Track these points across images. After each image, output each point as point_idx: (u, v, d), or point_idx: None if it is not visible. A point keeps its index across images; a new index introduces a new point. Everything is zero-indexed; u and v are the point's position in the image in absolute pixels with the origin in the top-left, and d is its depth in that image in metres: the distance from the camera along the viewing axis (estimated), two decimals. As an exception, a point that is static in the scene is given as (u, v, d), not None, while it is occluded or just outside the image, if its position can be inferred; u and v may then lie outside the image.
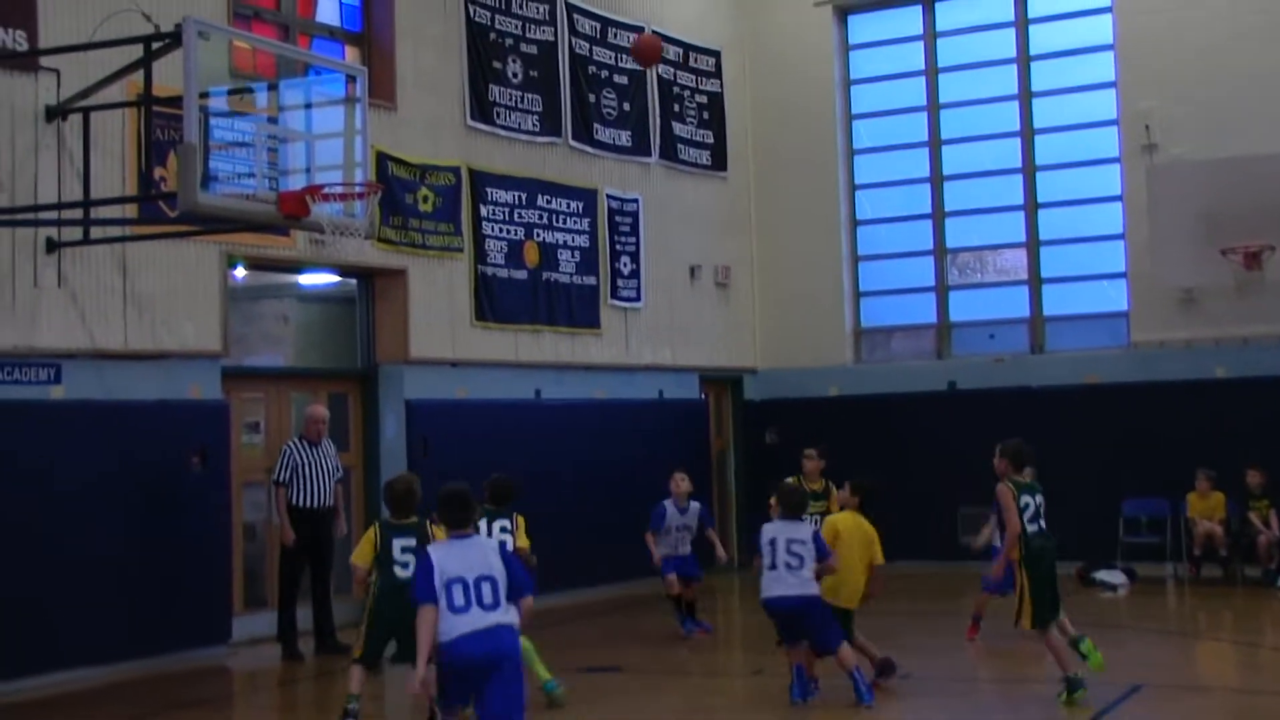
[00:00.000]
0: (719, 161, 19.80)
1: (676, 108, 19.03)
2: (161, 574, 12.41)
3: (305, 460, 12.97)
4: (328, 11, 15.13)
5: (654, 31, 17.59)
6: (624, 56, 18.08)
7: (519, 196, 16.41)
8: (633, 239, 18.08)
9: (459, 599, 7.17)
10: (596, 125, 17.62)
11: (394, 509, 9.46)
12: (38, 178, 11.72)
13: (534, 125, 16.71)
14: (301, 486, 12.91)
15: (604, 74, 17.82)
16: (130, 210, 12.17)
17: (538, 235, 16.63)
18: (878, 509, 11.11)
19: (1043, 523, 10.22)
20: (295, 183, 11.17)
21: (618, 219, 17.88)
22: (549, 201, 16.82)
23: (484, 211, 15.95)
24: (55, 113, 11.82)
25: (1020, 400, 18.33)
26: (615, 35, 18.03)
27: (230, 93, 12.00)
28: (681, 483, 13.71)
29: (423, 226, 15.19)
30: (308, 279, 15.29)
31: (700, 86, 19.51)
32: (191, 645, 12.69)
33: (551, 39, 17.02)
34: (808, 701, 10.05)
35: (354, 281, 15.20)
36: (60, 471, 11.77)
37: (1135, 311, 18.38)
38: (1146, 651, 12.74)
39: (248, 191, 11.01)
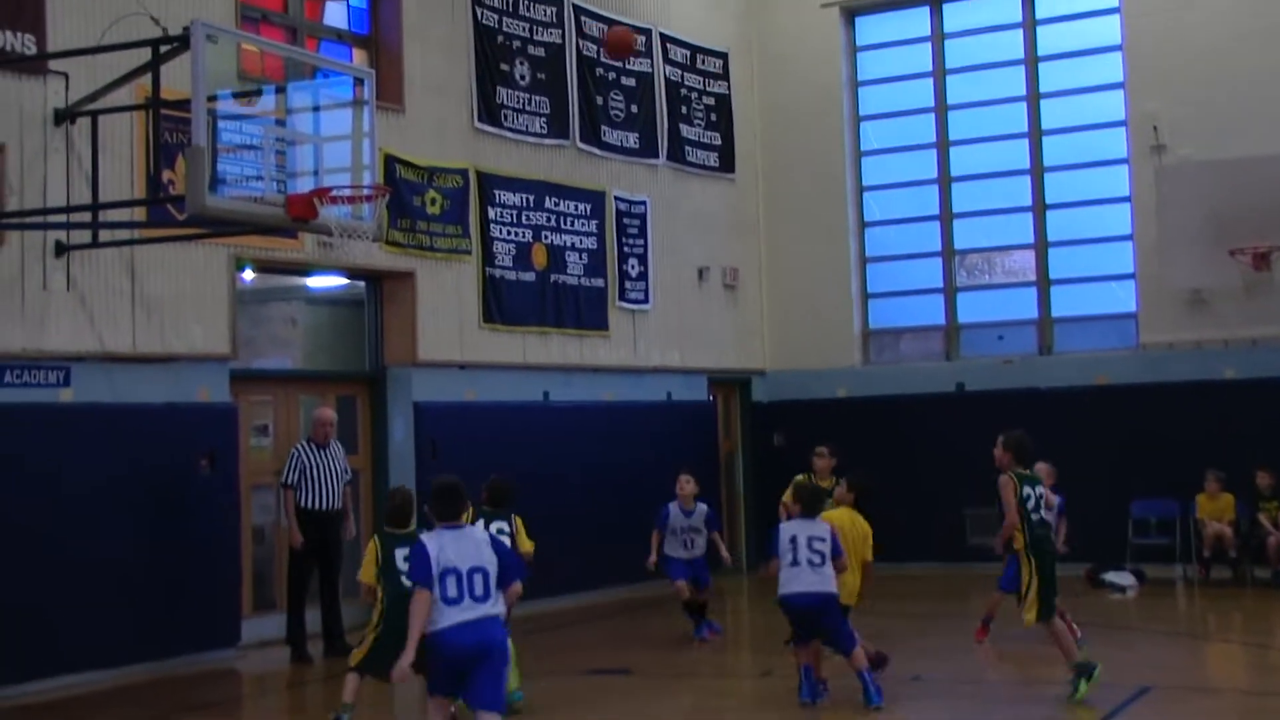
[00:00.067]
0: (727, 163, 19.80)
1: (684, 110, 19.03)
2: (170, 577, 12.43)
3: (313, 463, 12.97)
4: (335, 14, 15.15)
5: (634, 27, 17.64)
6: (631, 58, 18.06)
7: (527, 199, 16.42)
8: (641, 241, 18.09)
9: (451, 590, 7.33)
10: (604, 127, 17.63)
11: (393, 520, 9.50)
12: (46, 181, 11.75)
13: (541, 127, 16.72)
14: (310, 489, 12.91)
15: (611, 76, 17.83)
16: (139, 213, 12.18)
17: (546, 237, 16.64)
18: (874, 507, 11.18)
19: (1044, 513, 10.43)
20: (303, 185, 11.17)
21: (626, 221, 17.88)
22: (557, 204, 16.83)
23: (492, 214, 15.96)
24: (64, 116, 11.84)
25: (1029, 402, 18.29)
26: (623, 37, 18.01)
27: (238, 95, 12.01)
28: (686, 485, 13.63)
29: (431, 229, 15.20)
30: (316, 282, 15.30)
31: (708, 88, 19.51)
32: (200, 648, 12.71)
33: (559, 41, 17.02)
34: (817, 703, 10.05)
35: (362, 284, 15.21)
36: (69, 474, 11.78)
37: (1144, 313, 18.36)
38: (1155, 653, 12.73)
39: (256, 194, 11.01)
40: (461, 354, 15.55)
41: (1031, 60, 19.51)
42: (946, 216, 19.99)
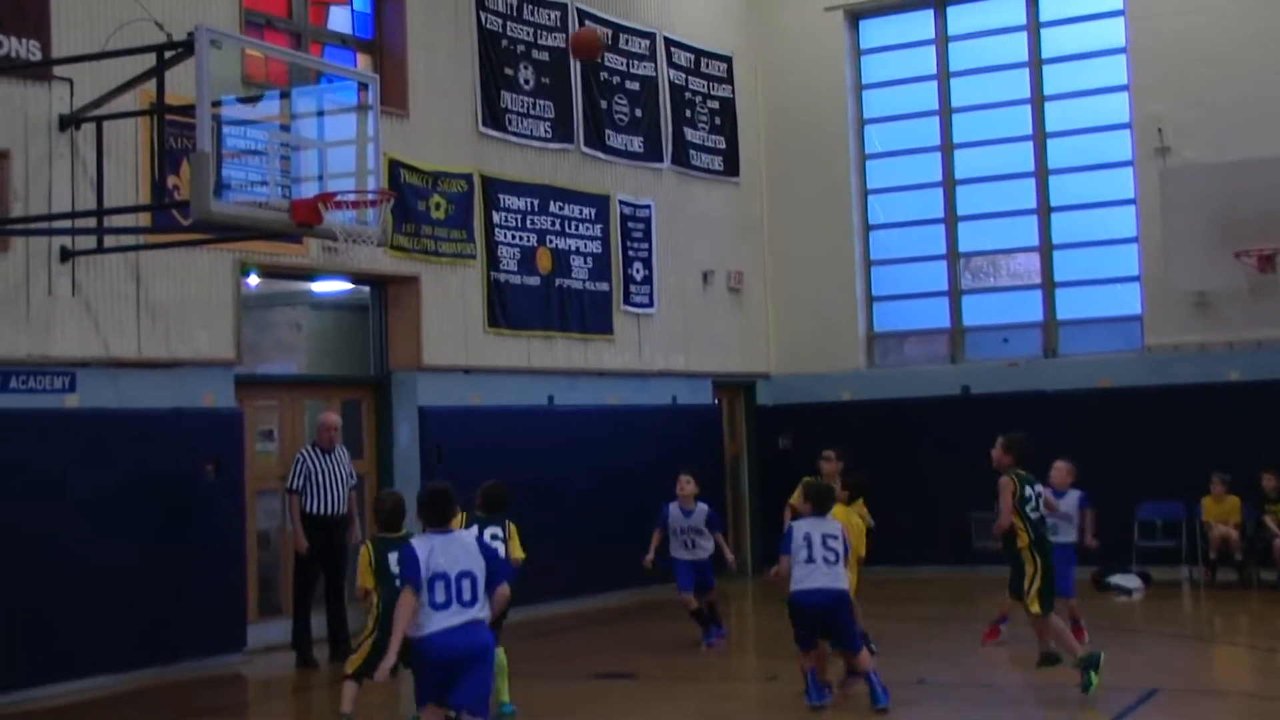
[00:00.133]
0: (731, 167, 19.80)
1: (688, 113, 19.04)
2: (175, 582, 12.43)
3: (318, 468, 12.97)
4: (340, 19, 15.16)
5: (638, 31, 17.66)
6: (635, 62, 18.11)
7: (531, 203, 16.42)
8: (645, 245, 18.09)
9: (440, 595, 7.44)
10: (608, 131, 17.64)
11: (384, 524, 9.54)
12: (52, 187, 11.76)
13: (546, 132, 16.73)
14: (315, 494, 12.91)
15: (615, 80, 17.84)
16: (144, 219, 12.20)
17: (550, 242, 16.64)
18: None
19: (1043, 512, 10.68)
20: (308, 190, 11.17)
21: (630, 225, 17.89)
22: (561, 208, 16.84)
23: (496, 218, 15.97)
24: (69, 122, 11.86)
25: (1034, 404, 18.28)
26: (626, 41, 18.04)
27: (242, 101, 12.02)
28: (686, 485, 13.50)
29: (435, 233, 15.21)
30: (321, 286, 15.32)
31: (712, 92, 19.52)
32: (206, 653, 12.72)
33: (563, 45, 17.02)
34: (823, 706, 10.03)
35: (367, 289, 15.22)
36: (74, 480, 11.80)
37: (1149, 315, 18.35)
38: (1162, 656, 12.71)
39: (260, 199, 11.01)
40: (466, 358, 15.55)
41: (1036, 63, 19.50)
42: (951, 219, 19.98)
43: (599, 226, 17.35)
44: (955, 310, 19.95)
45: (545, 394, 16.53)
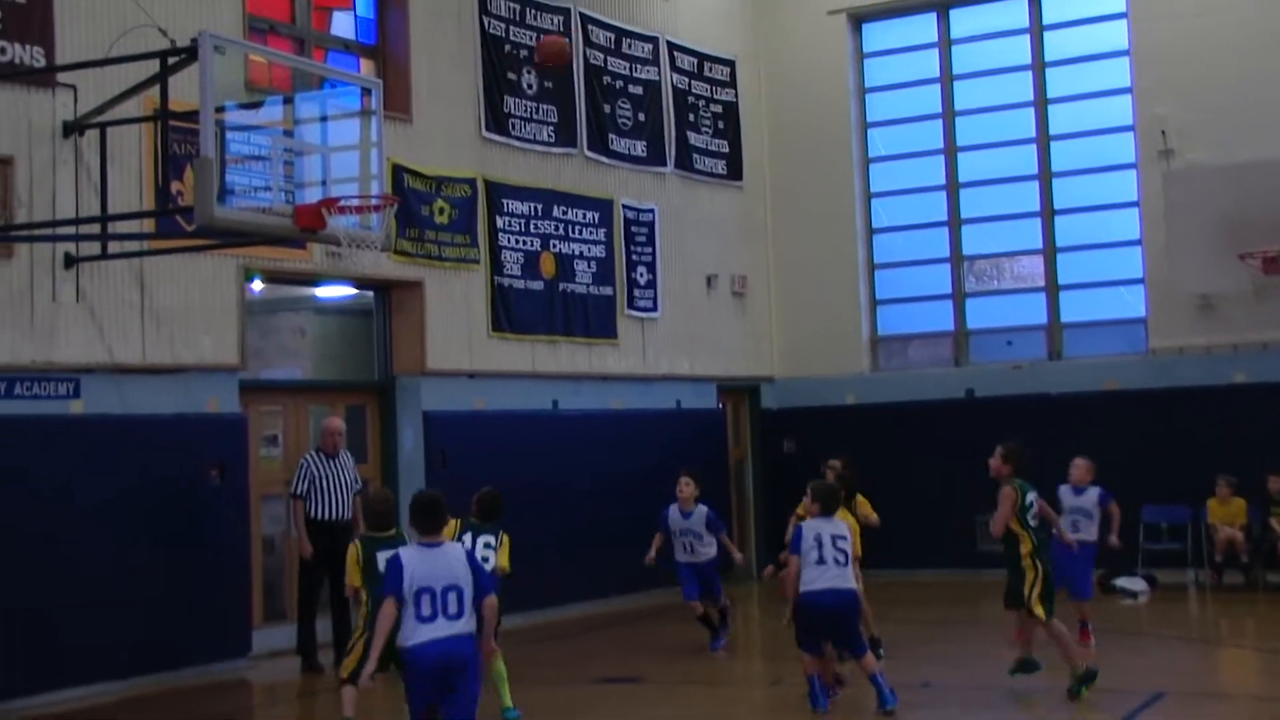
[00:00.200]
0: (735, 171, 19.80)
1: (692, 117, 19.04)
2: (180, 588, 12.43)
3: (323, 473, 12.97)
4: (343, 25, 15.17)
5: (642, 35, 17.66)
6: (638, 66, 18.12)
7: (535, 207, 16.42)
8: (649, 249, 18.09)
9: (425, 609, 7.56)
10: (612, 136, 17.64)
11: (374, 523, 9.58)
12: (55, 193, 11.77)
13: (549, 136, 16.74)
14: (319, 499, 12.91)
15: (619, 84, 17.84)
16: (147, 225, 12.21)
17: (554, 246, 16.64)
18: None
19: (1040, 519, 10.79)
20: (311, 196, 11.18)
21: (634, 229, 17.89)
22: (565, 212, 16.84)
23: (500, 223, 15.97)
24: (73, 128, 11.87)
25: (1038, 407, 18.28)
26: (630, 46, 18.05)
27: (246, 106, 12.02)
28: (685, 487, 13.46)
29: (439, 238, 15.21)
30: (324, 292, 15.32)
31: (715, 96, 19.52)
32: (211, 659, 12.72)
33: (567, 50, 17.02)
34: (827, 710, 10.02)
35: (371, 294, 15.22)
36: (79, 486, 11.81)
37: (1153, 317, 18.33)
38: (1168, 659, 12.70)
39: (264, 205, 11.03)
40: (470, 363, 15.55)
41: (1039, 65, 19.49)
42: (955, 222, 19.97)
43: (602, 231, 17.36)
44: (959, 313, 19.94)
45: (549, 398, 16.53)
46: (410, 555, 7.75)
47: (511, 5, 16.38)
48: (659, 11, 18.67)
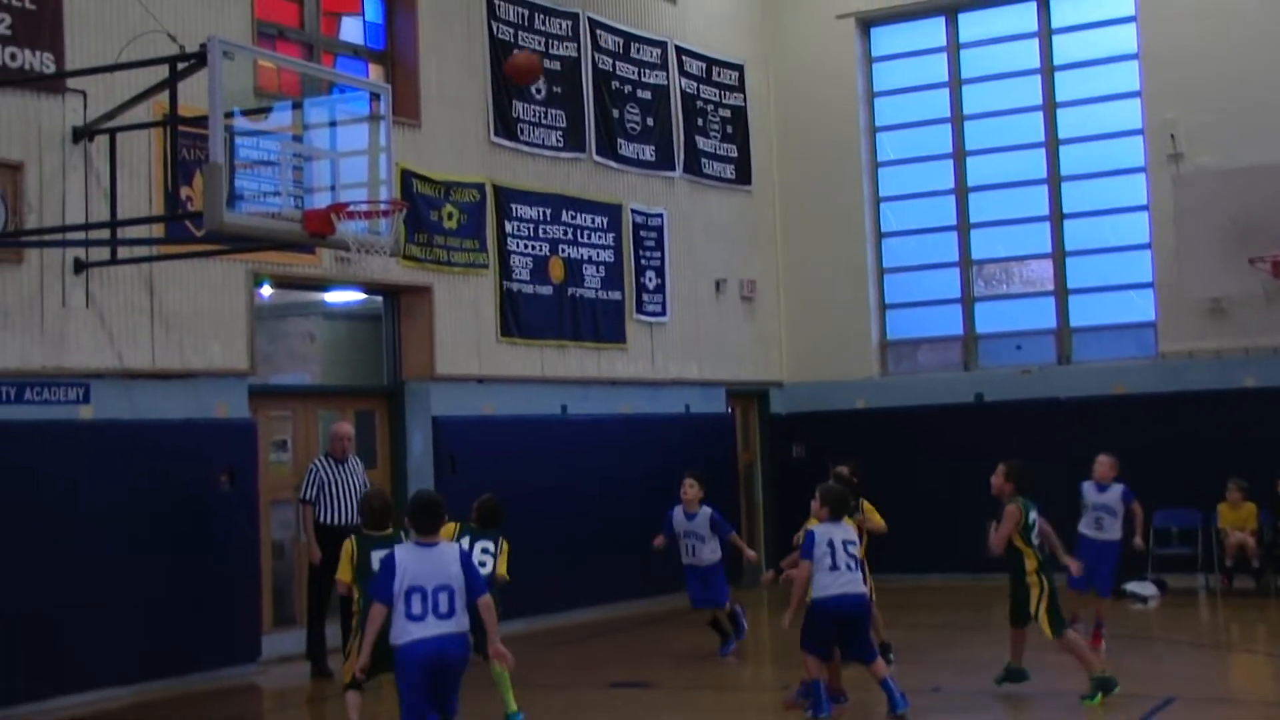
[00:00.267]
0: (743, 175, 19.80)
1: (700, 122, 19.04)
2: (190, 593, 12.44)
3: (331, 478, 12.98)
4: (351, 30, 15.19)
5: (650, 40, 17.69)
6: (647, 71, 18.12)
7: (543, 212, 16.43)
8: (658, 254, 18.09)
9: (416, 608, 7.70)
10: (620, 140, 17.64)
11: (370, 522, 9.66)
12: (65, 198, 11.79)
13: (558, 141, 16.74)
14: (328, 504, 12.91)
15: (627, 89, 17.85)
16: (157, 230, 12.22)
17: (563, 251, 16.65)
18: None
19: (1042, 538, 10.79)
20: (320, 201, 11.19)
21: (643, 234, 17.89)
22: (574, 217, 16.84)
23: (509, 228, 15.98)
24: (82, 134, 11.89)
25: (1048, 412, 18.27)
26: (639, 51, 18.05)
27: (254, 112, 12.04)
28: (689, 489, 13.42)
29: (448, 243, 15.22)
30: (333, 297, 15.34)
31: (724, 100, 19.52)
32: (220, 664, 12.72)
33: (574, 55, 17.05)
34: (830, 713, 10.00)
35: (380, 299, 15.23)
36: (89, 490, 11.81)
37: (1163, 321, 18.30)
38: (1179, 664, 12.67)
39: (273, 210, 11.03)
40: (479, 368, 15.56)
41: (1048, 69, 19.48)
42: (964, 226, 19.95)
43: (611, 235, 17.36)
44: (968, 317, 19.91)
45: (558, 403, 16.53)
46: (404, 554, 7.90)
47: (520, 10, 16.39)
48: (667, 16, 18.67)
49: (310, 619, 13.11)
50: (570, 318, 16.66)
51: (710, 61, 19.33)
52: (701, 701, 11.64)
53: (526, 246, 16.17)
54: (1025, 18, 19.67)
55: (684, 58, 18.84)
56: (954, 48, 20.10)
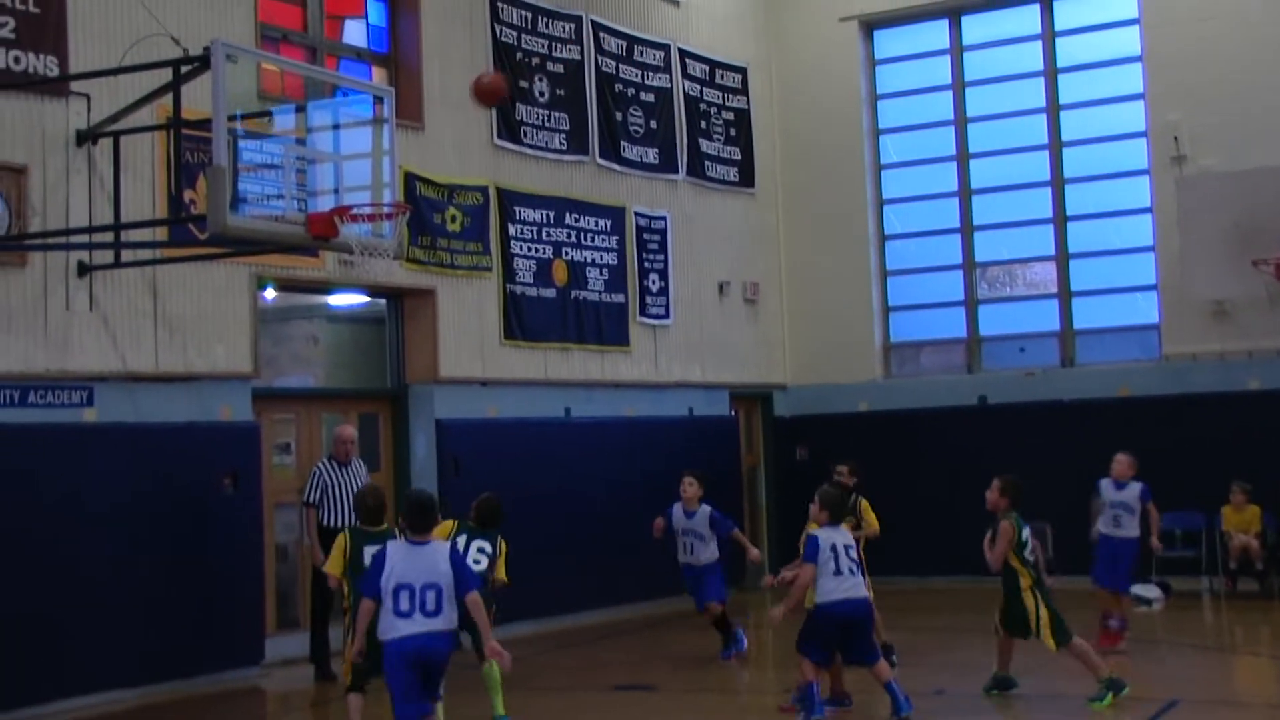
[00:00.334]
0: (746, 178, 19.80)
1: (703, 124, 19.04)
2: (193, 596, 12.44)
3: (335, 481, 12.98)
4: (355, 33, 15.19)
5: (653, 43, 17.73)
6: (650, 74, 18.13)
7: (547, 215, 16.43)
8: (661, 256, 18.09)
9: (404, 604, 7.93)
10: (624, 143, 17.64)
11: (365, 517, 9.79)
12: (69, 202, 11.80)
13: (561, 144, 16.75)
14: (332, 507, 12.91)
15: (631, 92, 17.85)
16: (160, 233, 12.23)
17: (566, 253, 16.65)
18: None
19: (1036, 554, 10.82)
20: (324, 204, 11.20)
21: (646, 236, 17.89)
22: (577, 220, 16.85)
23: (512, 230, 15.98)
24: (86, 137, 11.90)
25: (1051, 414, 18.26)
26: (642, 53, 18.06)
27: (258, 115, 12.05)
28: (689, 487, 13.41)
29: (451, 246, 15.23)
30: (337, 300, 15.35)
31: (727, 103, 19.52)
32: (224, 667, 12.72)
33: (578, 58, 17.05)
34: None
35: (383, 302, 15.24)
36: (92, 493, 11.82)
37: (1167, 324, 18.28)
38: (1183, 666, 12.67)
39: (277, 213, 11.04)
40: (483, 370, 15.56)
41: (1051, 72, 19.47)
42: (967, 229, 19.94)
43: (615, 238, 17.36)
44: (972, 320, 19.91)
45: (562, 406, 16.53)
46: (395, 551, 8.13)
47: (523, 13, 16.40)
48: (671, 19, 18.68)
49: (313, 622, 13.11)
50: (574, 320, 16.67)
51: (713, 64, 19.33)
52: (704, 704, 11.64)
53: (530, 249, 16.18)
54: (1029, 20, 19.67)
55: (687, 60, 18.84)
56: (957, 50, 20.10)
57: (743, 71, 19.85)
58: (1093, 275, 19.21)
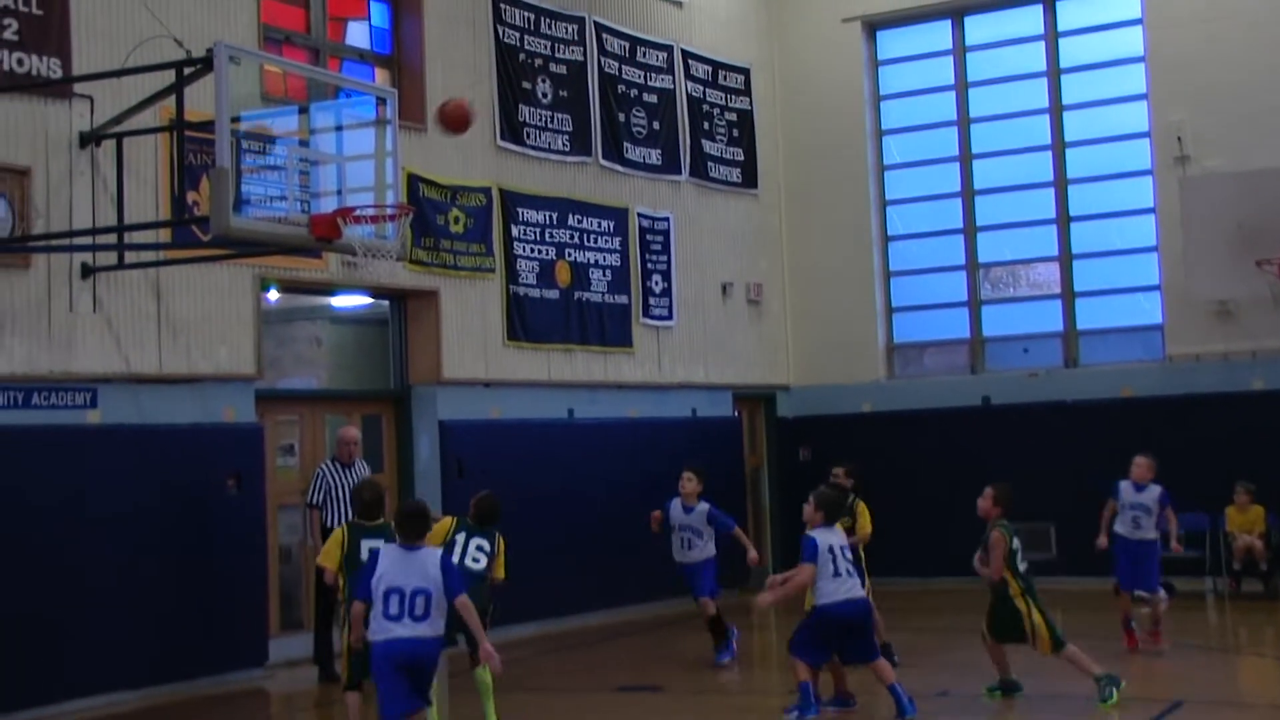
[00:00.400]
0: (749, 179, 19.79)
1: (706, 125, 19.04)
2: (197, 597, 12.45)
3: (338, 482, 12.98)
4: (357, 35, 15.20)
5: (656, 44, 17.77)
6: (653, 75, 18.13)
7: (550, 216, 16.44)
8: (664, 257, 18.09)
9: (393, 608, 8.12)
10: (626, 144, 17.64)
11: (362, 513, 9.88)
12: (72, 203, 11.81)
13: (564, 145, 16.75)
14: (335, 509, 12.90)
15: (633, 93, 17.85)
16: (164, 235, 12.25)
17: (569, 255, 16.65)
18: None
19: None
20: (327, 205, 11.21)
21: (649, 237, 17.89)
22: (580, 221, 16.85)
23: (515, 232, 15.98)
24: (89, 139, 11.91)
25: (1055, 415, 18.24)
26: (644, 54, 18.06)
27: (261, 117, 12.05)
28: (688, 483, 13.34)
29: (454, 247, 15.23)
30: (340, 301, 15.35)
31: (730, 104, 19.52)
32: (227, 668, 12.73)
33: (580, 59, 17.06)
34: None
35: (386, 303, 15.24)
36: (95, 495, 11.83)
37: (1170, 324, 18.27)
38: (1186, 667, 12.64)
39: (280, 215, 11.04)
40: (486, 372, 15.56)
41: (1054, 72, 19.46)
42: (970, 230, 19.94)
43: (618, 239, 17.36)
44: (975, 321, 19.90)
45: (565, 407, 16.53)
46: (387, 555, 8.31)
47: (526, 15, 16.40)
48: (673, 20, 18.68)
49: (317, 623, 13.10)
50: (577, 321, 16.67)
51: (716, 65, 19.33)
52: (708, 706, 11.64)
53: (533, 250, 16.18)
54: (1032, 20, 19.66)
55: (690, 61, 18.84)
56: (960, 51, 20.10)
57: (745, 72, 19.85)
58: (1096, 276, 19.20)
